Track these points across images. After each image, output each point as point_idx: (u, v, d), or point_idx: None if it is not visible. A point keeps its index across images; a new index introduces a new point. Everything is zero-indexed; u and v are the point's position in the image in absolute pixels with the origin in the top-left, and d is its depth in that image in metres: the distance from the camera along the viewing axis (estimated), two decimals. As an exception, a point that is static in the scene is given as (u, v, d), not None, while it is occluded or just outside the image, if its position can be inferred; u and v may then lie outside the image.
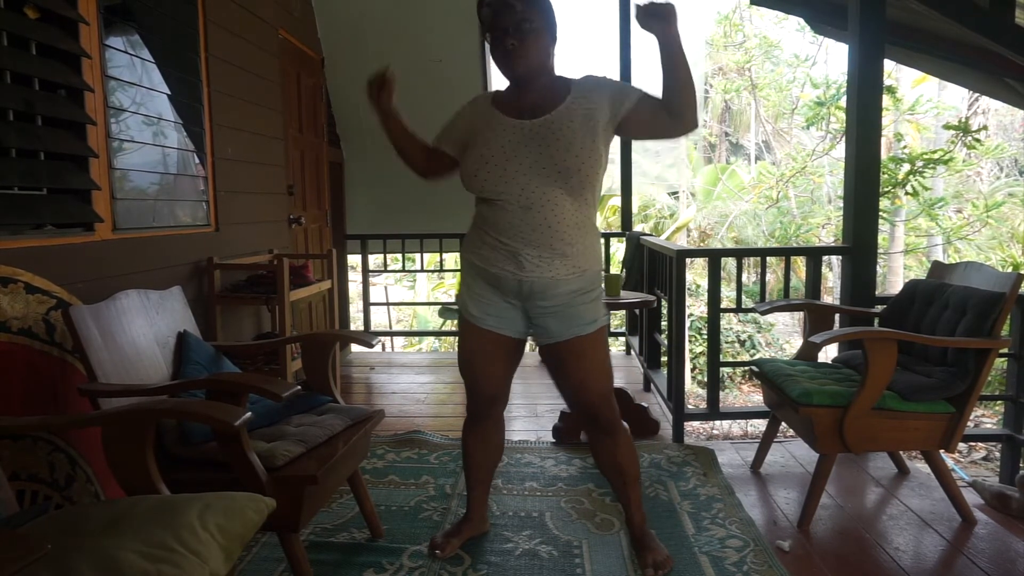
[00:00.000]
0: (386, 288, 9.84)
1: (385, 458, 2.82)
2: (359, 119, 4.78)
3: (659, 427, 3.17)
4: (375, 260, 5.24)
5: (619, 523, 2.25)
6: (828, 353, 3.15)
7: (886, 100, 7.02)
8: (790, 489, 2.58)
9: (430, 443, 2.99)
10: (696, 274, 10.32)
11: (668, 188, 12.52)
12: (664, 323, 3.64)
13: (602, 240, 1.97)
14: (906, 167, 6.67)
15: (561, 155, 1.74)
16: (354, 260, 5.17)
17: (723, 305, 3.24)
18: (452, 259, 6.11)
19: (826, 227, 10.32)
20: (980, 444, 5.84)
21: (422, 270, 6.84)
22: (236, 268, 3.02)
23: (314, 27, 4.23)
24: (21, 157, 1.84)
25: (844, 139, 3.31)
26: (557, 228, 1.77)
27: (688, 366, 8.67)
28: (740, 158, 15.27)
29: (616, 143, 4.27)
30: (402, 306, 10.87)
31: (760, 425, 4.13)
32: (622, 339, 5.07)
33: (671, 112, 1.75)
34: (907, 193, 6.97)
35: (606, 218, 11.49)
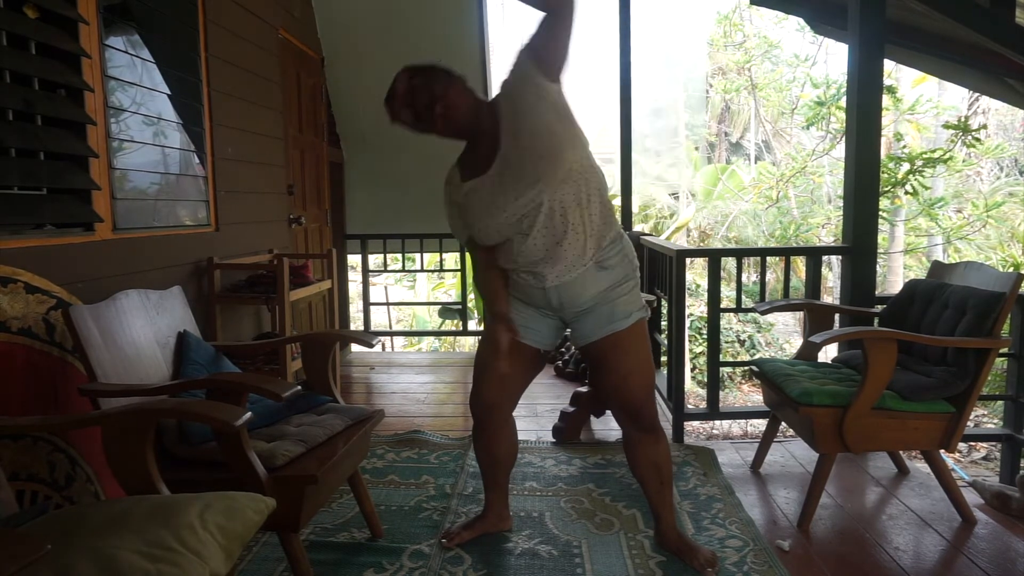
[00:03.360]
0: (386, 288, 9.83)
1: (385, 458, 2.82)
2: (359, 119, 4.78)
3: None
4: (375, 260, 5.24)
5: (619, 523, 2.25)
6: (828, 353, 3.15)
7: (886, 100, 7.02)
8: (790, 489, 2.58)
9: (430, 443, 2.99)
10: (696, 274, 10.32)
11: (668, 188, 12.52)
12: (664, 323, 3.64)
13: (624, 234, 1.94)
14: (906, 167, 6.67)
15: (533, 166, 1.70)
16: (354, 260, 5.17)
17: (723, 305, 3.24)
18: (452, 259, 6.11)
19: (826, 227, 10.32)
20: (980, 444, 5.84)
21: (422, 270, 6.83)
22: (236, 268, 3.02)
23: (314, 27, 4.23)
24: (21, 157, 1.84)
25: (844, 139, 3.31)
26: (565, 240, 1.77)
27: (688, 366, 8.67)
28: (740, 158, 15.27)
29: (615, 144, 4.28)
30: (402, 306, 10.87)
31: (760, 425, 4.12)
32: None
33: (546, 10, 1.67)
34: (907, 193, 6.97)
35: (606, 218, 11.45)
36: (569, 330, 1.98)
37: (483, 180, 1.78)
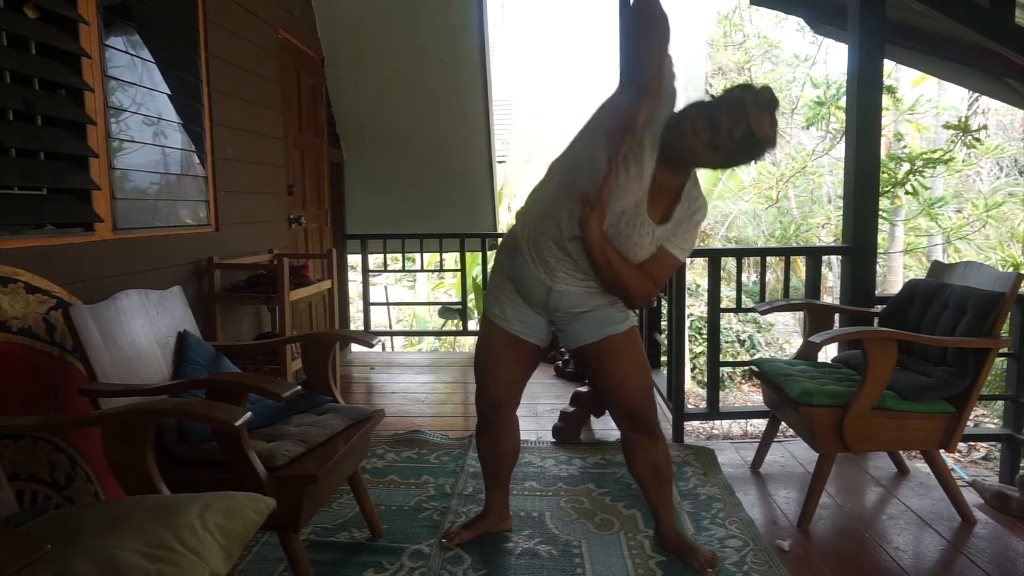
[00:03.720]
0: (386, 288, 9.83)
1: (385, 458, 2.82)
2: (359, 119, 4.78)
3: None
4: (375, 260, 5.23)
5: (619, 523, 2.25)
6: (828, 353, 3.15)
7: (886, 100, 7.02)
8: (790, 489, 2.58)
9: (430, 443, 2.99)
10: (696, 274, 10.31)
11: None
12: (664, 323, 3.64)
13: None
14: (906, 167, 6.66)
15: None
16: (354, 260, 5.17)
17: (723, 305, 3.24)
18: (452, 259, 6.11)
19: (826, 227, 10.31)
20: (980, 444, 5.84)
21: (422, 270, 6.83)
22: (236, 268, 3.02)
23: (314, 27, 4.23)
24: (21, 157, 1.84)
25: (844, 139, 3.31)
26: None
27: (688, 366, 8.67)
28: (740, 158, 15.23)
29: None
30: (402, 306, 10.87)
31: (760, 425, 4.12)
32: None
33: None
34: (907, 193, 6.97)
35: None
36: (557, 332, 1.98)
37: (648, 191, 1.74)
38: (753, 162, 1.68)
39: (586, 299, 1.84)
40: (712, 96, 1.64)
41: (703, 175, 12.75)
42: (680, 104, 1.71)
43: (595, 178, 1.65)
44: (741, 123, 1.58)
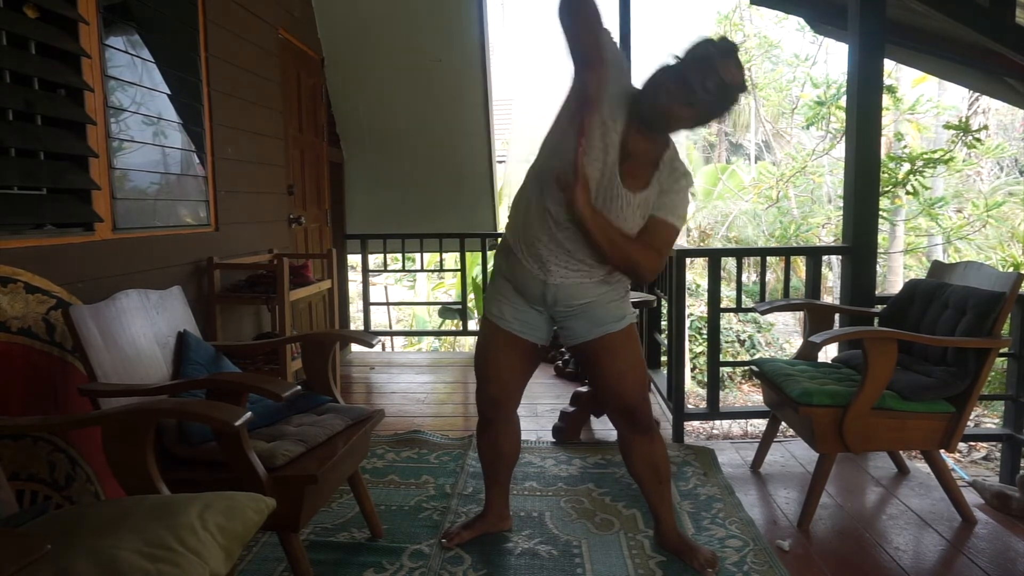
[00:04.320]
0: (386, 288, 9.83)
1: (385, 458, 2.82)
2: (359, 119, 4.78)
3: (659, 427, 3.16)
4: (375, 260, 5.24)
5: (619, 523, 2.25)
6: (828, 353, 3.15)
7: (886, 100, 7.02)
8: (790, 489, 2.58)
9: (430, 443, 2.99)
10: (696, 274, 10.31)
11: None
12: (664, 323, 3.64)
13: None
14: (906, 167, 6.67)
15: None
16: (354, 260, 5.17)
17: (723, 305, 3.24)
18: (452, 259, 6.11)
19: (826, 227, 10.32)
20: (980, 444, 5.84)
21: (422, 270, 6.83)
22: (236, 268, 3.02)
23: (314, 27, 4.23)
24: (21, 157, 1.84)
25: (844, 139, 3.31)
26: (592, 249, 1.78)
27: (688, 366, 8.67)
28: (740, 158, 15.27)
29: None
30: (402, 306, 10.87)
31: (760, 425, 4.12)
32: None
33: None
34: (907, 193, 6.97)
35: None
36: (558, 328, 1.98)
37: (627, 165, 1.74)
38: (727, 112, 1.69)
39: (584, 290, 1.84)
40: (676, 57, 1.66)
41: (701, 175, 12.76)
42: (646, 73, 1.73)
43: (567, 159, 1.65)
44: (712, 75, 1.60)
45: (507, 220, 1.94)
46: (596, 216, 1.67)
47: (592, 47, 1.63)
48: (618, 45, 1.75)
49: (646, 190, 1.75)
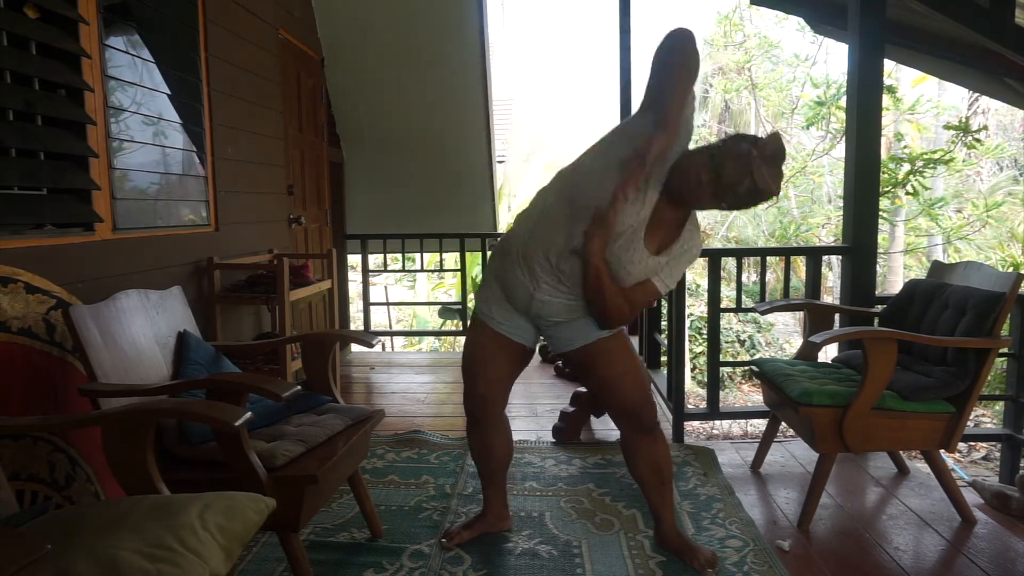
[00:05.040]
0: (386, 288, 9.82)
1: (385, 458, 2.82)
2: (359, 119, 4.78)
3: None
4: (375, 260, 5.24)
5: (619, 523, 2.25)
6: (828, 353, 3.15)
7: (886, 100, 7.01)
8: (790, 489, 2.58)
9: (430, 443, 2.99)
10: (696, 274, 10.31)
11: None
12: (664, 323, 3.64)
13: None
14: (906, 167, 6.67)
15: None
16: (354, 260, 5.17)
17: (723, 305, 3.24)
18: (452, 259, 6.11)
19: (826, 227, 10.31)
20: (980, 444, 5.84)
21: (422, 270, 6.83)
22: (236, 268, 3.02)
23: (314, 27, 4.23)
24: (21, 157, 1.84)
25: (844, 139, 3.31)
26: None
27: (688, 366, 8.67)
28: (740, 158, 15.22)
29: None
30: (402, 306, 10.87)
31: (760, 425, 4.12)
32: (622, 339, 5.07)
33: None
34: (907, 193, 6.97)
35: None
36: (543, 337, 2.00)
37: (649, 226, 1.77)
38: (752, 207, 1.71)
39: (566, 312, 1.86)
40: (720, 142, 1.66)
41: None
42: (689, 143, 1.75)
43: (601, 196, 1.67)
44: (746, 178, 1.60)
45: (512, 224, 1.94)
46: (601, 261, 1.71)
47: (675, 112, 1.62)
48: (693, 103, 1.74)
49: (661, 256, 1.78)
